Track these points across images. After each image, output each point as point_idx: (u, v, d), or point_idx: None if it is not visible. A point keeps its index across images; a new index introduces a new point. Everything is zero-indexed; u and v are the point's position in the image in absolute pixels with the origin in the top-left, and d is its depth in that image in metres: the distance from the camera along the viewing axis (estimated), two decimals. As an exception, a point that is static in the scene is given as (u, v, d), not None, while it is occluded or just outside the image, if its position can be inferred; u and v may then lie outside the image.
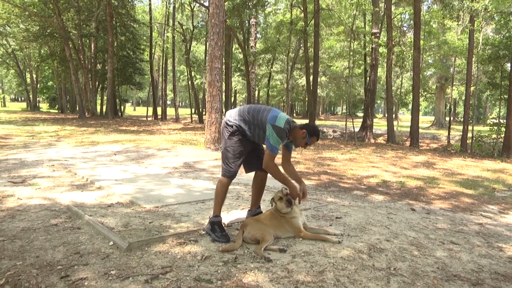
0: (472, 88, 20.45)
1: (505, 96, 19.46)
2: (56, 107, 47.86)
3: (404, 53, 23.03)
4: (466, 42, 20.76)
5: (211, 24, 10.95)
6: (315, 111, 25.66)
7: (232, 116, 3.79)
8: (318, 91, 38.16)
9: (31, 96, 49.14)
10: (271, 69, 36.68)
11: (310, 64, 23.14)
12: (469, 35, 18.16)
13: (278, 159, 3.90)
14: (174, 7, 34.47)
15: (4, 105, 68.79)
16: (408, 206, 5.76)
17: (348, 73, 27.84)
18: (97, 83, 32.61)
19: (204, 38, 29.57)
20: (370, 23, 25.18)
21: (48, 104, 53.24)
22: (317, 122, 28.02)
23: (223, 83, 13.96)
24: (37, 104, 51.07)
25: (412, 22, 22.33)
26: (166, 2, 35.14)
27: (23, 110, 45.11)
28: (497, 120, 19.41)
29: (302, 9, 24.59)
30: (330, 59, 35.54)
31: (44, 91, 50.04)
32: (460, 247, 3.81)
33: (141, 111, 62.85)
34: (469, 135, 18.68)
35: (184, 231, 3.75)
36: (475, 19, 17.18)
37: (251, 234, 3.49)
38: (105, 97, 33.27)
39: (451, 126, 24.14)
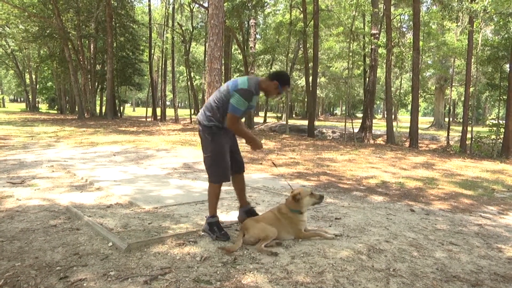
0: (471, 89, 20.47)
1: (504, 97, 19.48)
2: (55, 108, 47.84)
3: (404, 54, 23.05)
4: (465, 43, 20.78)
5: (210, 25, 10.96)
6: (315, 111, 25.69)
7: (204, 116, 3.75)
8: (318, 91, 38.22)
9: (30, 96, 49.11)
10: (271, 70, 36.72)
11: (310, 65, 23.15)
12: (468, 36, 18.18)
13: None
14: (173, 8, 34.49)
15: (3, 106, 68.72)
16: (407, 207, 5.75)
17: (348, 74, 27.85)
18: (96, 83, 32.61)
19: (204, 39, 29.60)
20: (370, 24, 25.19)
21: (47, 105, 53.21)
22: (316, 123, 28.03)
23: (223, 83, 13.95)
24: (36, 104, 51.05)
25: (411, 23, 22.32)
26: (166, 3, 35.15)
27: (22, 111, 45.06)
28: (496, 121, 19.42)
29: (301, 10, 24.61)
30: (330, 60, 35.60)
31: (44, 91, 50.01)
32: (460, 248, 3.81)
33: (140, 111, 62.87)
34: (469, 136, 18.69)
35: (183, 232, 3.75)
36: (474, 20, 17.21)
37: (254, 236, 3.46)
38: (104, 98, 33.27)
39: (451, 127, 24.18)
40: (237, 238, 3.51)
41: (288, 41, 26.67)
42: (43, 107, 55.35)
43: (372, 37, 22.38)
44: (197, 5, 30.04)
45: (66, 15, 28.38)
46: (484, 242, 4.12)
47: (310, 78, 22.53)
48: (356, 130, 23.19)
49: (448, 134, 22.32)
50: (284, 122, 29.49)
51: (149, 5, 33.60)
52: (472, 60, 18.90)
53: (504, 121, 17.96)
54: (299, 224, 3.70)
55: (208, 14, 11.94)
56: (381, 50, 23.17)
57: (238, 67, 34.06)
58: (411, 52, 20.04)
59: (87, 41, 32.41)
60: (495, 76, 20.82)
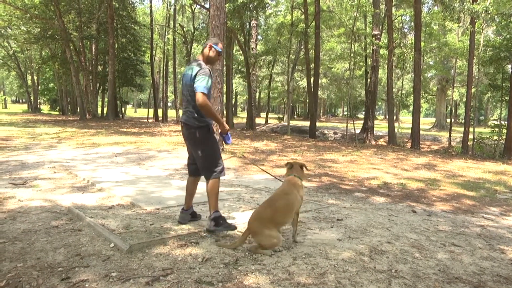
0: (473, 90, 20.44)
1: (506, 97, 19.46)
2: (57, 109, 47.95)
3: (405, 54, 23.07)
4: (467, 44, 20.77)
5: (211, 26, 10.95)
6: (316, 112, 25.67)
7: (194, 118, 3.79)
8: (319, 92, 38.18)
9: (32, 98, 49.22)
10: (272, 71, 36.76)
11: (311, 66, 23.17)
12: (470, 36, 18.16)
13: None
14: (175, 9, 34.53)
15: (5, 107, 68.96)
16: (409, 208, 5.75)
17: (349, 75, 27.86)
18: (98, 85, 32.64)
19: (205, 40, 29.62)
20: (371, 25, 25.20)
21: (49, 106, 53.35)
22: (318, 124, 28.02)
23: (224, 85, 13.95)
24: (38, 106, 51.16)
25: (412, 23, 22.35)
26: (167, 4, 35.20)
27: (24, 112, 45.18)
28: (498, 122, 19.38)
29: (302, 11, 24.64)
30: (331, 61, 35.60)
31: (45, 93, 50.14)
32: (462, 249, 3.80)
33: (142, 112, 62.91)
34: (470, 136, 18.66)
35: (185, 233, 3.75)
36: (476, 21, 17.18)
37: (262, 245, 3.33)
38: (106, 99, 33.32)
39: (452, 128, 24.15)
40: (240, 239, 3.48)
41: (290, 42, 26.69)
42: (45, 108, 55.47)
43: (373, 38, 22.39)
44: (198, 6, 30.06)
45: (67, 17, 28.44)
46: (486, 243, 4.11)
47: (312, 79, 22.54)
48: (357, 131, 23.20)
49: (450, 135, 22.29)
50: (286, 123, 29.49)
51: (151, 6, 33.62)
52: (474, 61, 18.86)
53: (506, 122, 17.92)
54: (302, 192, 3.73)
55: (209, 15, 11.92)
56: (382, 51, 23.19)
57: (239, 68, 34.09)
58: (412, 53, 20.03)
59: (88, 43, 32.46)
60: (497, 77, 20.77)
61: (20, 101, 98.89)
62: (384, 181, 7.97)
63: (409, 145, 19.33)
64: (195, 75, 3.70)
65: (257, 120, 36.89)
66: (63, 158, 9.02)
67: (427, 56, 27.78)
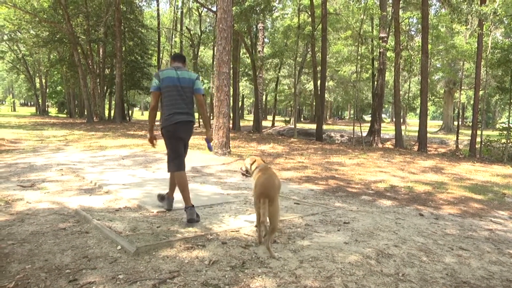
0: (480, 93, 20.29)
1: (514, 100, 19.29)
2: (64, 112, 48.30)
3: (412, 57, 22.95)
4: (475, 46, 20.62)
5: (219, 29, 11.00)
6: (323, 115, 25.62)
7: (192, 116, 4.45)
8: (326, 95, 38.05)
9: (40, 100, 49.61)
10: (279, 74, 36.70)
11: (318, 69, 23.16)
12: (478, 39, 18.03)
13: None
14: (182, 12, 34.70)
15: (14, 110, 69.48)
16: (416, 211, 5.71)
17: (356, 78, 27.79)
18: (105, 88, 32.84)
19: (212, 43, 29.68)
20: (378, 28, 25.12)
21: (56, 109, 53.77)
22: (324, 127, 27.97)
23: (231, 87, 13.98)
24: (46, 108, 51.54)
25: (420, 26, 22.24)
26: (174, 7, 35.38)
27: (32, 115, 45.54)
28: (506, 125, 19.19)
29: (309, 13, 24.65)
30: (338, 64, 35.48)
31: (53, 95, 50.55)
32: (470, 253, 3.77)
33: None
34: (478, 139, 18.51)
35: (192, 235, 3.76)
36: (484, 23, 17.07)
37: (274, 219, 3.40)
38: (113, 102, 33.47)
39: (460, 131, 23.99)
40: (258, 211, 3.44)
41: (296, 45, 26.68)
42: (53, 111, 55.91)
43: (380, 41, 22.31)
44: (205, 9, 30.16)
45: (76, 20, 28.67)
46: (495, 247, 4.07)
47: (319, 82, 22.52)
48: (364, 134, 23.09)
49: (457, 138, 22.13)
50: (292, 126, 29.46)
51: (158, 10, 33.85)
52: (482, 63, 18.73)
53: (514, 125, 17.77)
54: None
55: (216, 18, 11.97)
56: (389, 54, 23.08)
57: (246, 71, 34.14)
58: (419, 56, 19.94)
59: (96, 46, 32.68)
60: (505, 79, 20.59)
61: (29, 104, 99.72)
62: (391, 184, 7.94)
63: (416, 148, 19.22)
64: (195, 79, 4.38)
65: (264, 123, 36.87)
66: (70, 161, 9.08)
67: (434, 59, 27.62)
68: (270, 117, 49.60)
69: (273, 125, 38.71)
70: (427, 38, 18.22)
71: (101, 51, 31.85)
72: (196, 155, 10.70)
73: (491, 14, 15.20)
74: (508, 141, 17.98)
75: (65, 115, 45.35)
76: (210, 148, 4.72)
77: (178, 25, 34.67)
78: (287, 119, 47.51)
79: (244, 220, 4.46)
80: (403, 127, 20.77)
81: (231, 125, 21.02)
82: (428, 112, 24.13)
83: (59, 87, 47.82)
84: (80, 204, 4.92)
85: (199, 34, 31.01)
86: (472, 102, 28.51)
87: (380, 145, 21.73)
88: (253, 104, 48.59)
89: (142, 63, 34.03)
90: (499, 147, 18.69)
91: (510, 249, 4.02)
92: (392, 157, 13.04)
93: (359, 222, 4.64)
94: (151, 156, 10.31)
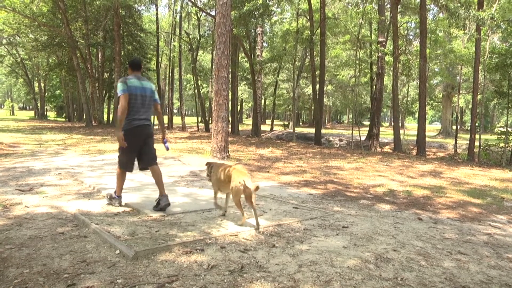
0: (479, 97, 20.35)
1: (512, 104, 19.34)
2: (63, 116, 48.29)
3: (410, 61, 23.02)
4: (473, 51, 20.69)
5: (217, 33, 11.02)
6: (321, 119, 25.66)
7: (151, 118, 5.07)
8: (324, 99, 38.20)
9: (39, 104, 49.61)
10: (277, 78, 36.81)
11: (316, 73, 23.18)
12: (476, 43, 18.10)
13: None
14: (180, 17, 34.74)
15: (13, 114, 69.50)
16: (415, 215, 5.72)
17: (354, 82, 27.86)
18: (104, 92, 32.85)
19: (211, 47, 29.75)
20: (376, 32, 25.22)
21: (55, 113, 53.75)
22: (323, 131, 27.99)
23: (229, 92, 14.00)
24: (45, 112, 51.54)
25: (418, 30, 22.32)
26: (173, 12, 35.44)
27: (31, 119, 45.53)
28: (504, 129, 19.21)
29: (308, 18, 24.71)
30: (336, 68, 35.64)
31: (52, 99, 50.56)
32: (468, 258, 3.77)
33: (147, 119, 62.98)
34: (477, 144, 18.54)
35: (190, 240, 3.75)
36: (481, 27, 17.14)
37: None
38: (112, 106, 33.47)
39: (458, 135, 24.02)
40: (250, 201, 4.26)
41: (295, 49, 26.75)
42: (51, 115, 55.87)
43: (378, 45, 22.39)
44: (204, 14, 30.23)
45: (74, 24, 28.74)
46: (493, 251, 4.07)
47: (317, 86, 22.55)
48: (363, 138, 23.13)
49: (455, 142, 22.17)
50: (291, 130, 29.49)
51: (157, 14, 33.87)
52: (480, 68, 18.80)
53: (512, 129, 17.81)
54: None
55: (215, 22, 12.00)
56: (388, 58, 23.17)
57: (245, 75, 34.18)
58: (418, 60, 20.01)
59: (95, 50, 32.74)
60: (503, 83, 20.64)
61: (27, 107, 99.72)
62: (389, 188, 7.94)
63: (414, 152, 19.25)
64: (155, 90, 5.05)
65: (263, 127, 36.90)
66: (69, 165, 9.07)
67: (433, 63, 27.69)
68: (269, 121, 49.62)
69: (272, 129, 38.72)
70: (425, 43, 18.29)
71: (100, 55, 31.90)
72: (195, 159, 10.70)
73: (489, 19, 15.25)
74: (507, 145, 18.02)
75: (63, 119, 45.36)
76: (167, 148, 5.18)
77: (177, 30, 34.70)
78: (286, 123, 47.57)
79: (243, 224, 4.45)
80: (401, 131, 20.79)
81: (229, 129, 21.03)
82: (426, 116, 24.17)
83: (58, 91, 47.85)
84: (79, 208, 4.91)
85: (198, 38, 31.05)
86: (470, 106, 28.58)
87: (378, 149, 21.74)
88: (251, 108, 48.68)
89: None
90: (498, 151, 18.72)
91: (509, 254, 4.02)
92: (390, 161, 13.05)
93: (357, 226, 4.64)
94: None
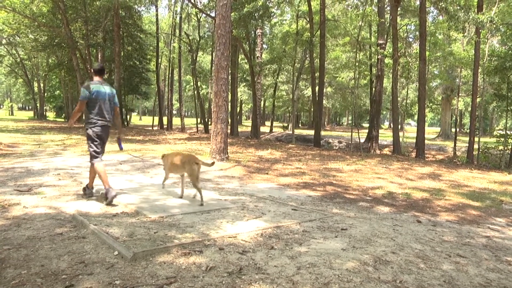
0: (478, 99, 20.37)
1: (511, 107, 19.36)
2: (62, 116, 48.20)
3: (410, 64, 23.04)
4: (472, 53, 20.72)
5: (217, 34, 11.02)
6: (321, 121, 25.66)
7: (111, 120, 5.57)
8: (324, 101, 38.18)
9: (38, 105, 49.55)
10: (277, 80, 36.81)
11: (316, 75, 23.20)
12: (475, 46, 18.13)
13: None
14: (180, 18, 34.78)
15: (12, 114, 69.44)
16: (414, 218, 5.71)
17: (354, 84, 27.86)
18: (103, 92, 32.75)
19: (211, 49, 29.78)
20: (376, 34, 25.25)
21: (54, 113, 53.65)
22: (322, 133, 27.99)
23: (229, 93, 14.00)
24: (44, 113, 51.47)
25: (417, 33, 22.35)
26: (173, 13, 35.48)
27: (30, 119, 45.46)
28: (504, 132, 19.23)
29: (308, 20, 24.73)
30: (336, 70, 35.62)
31: (51, 100, 50.48)
32: (467, 260, 3.77)
33: (147, 120, 63.14)
34: (476, 146, 18.56)
35: (189, 241, 3.75)
36: (480, 30, 17.17)
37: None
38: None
39: (457, 137, 24.02)
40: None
41: (295, 51, 26.77)
42: (51, 115, 55.78)
43: (378, 47, 22.42)
44: (204, 15, 30.25)
45: (74, 25, 28.69)
46: (492, 254, 4.07)
47: (317, 88, 22.56)
48: (362, 140, 23.13)
49: (455, 145, 22.17)
50: (291, 132, 29.50)
51: (157, 15, 33.92)
52: (479, 71, 18.83)
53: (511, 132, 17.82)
54: None
55: (215, 24, 12.01)
56: (387, 60, 23.19)
57: (244, 76, 34.22)
58: (417, 62, 20.03)
59: (95, 50, 32.69)
60: (502, 86, 20.66)
61: (27, 108, 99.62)
62: (388, 191, 7.94)
63: (413, 154, 19.25)
64: (115, 94, 5.61)
65: (262, 129, 36.90)
66: (68, 165, 9.06)
67: (432, 66, 27.71)
68: (268, 123, 49.68)
69: (271, 131, 38.74)
70: (425, 45, 18.31)
71: (99, 56, 31.87)
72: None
73: (488, 22, 15.27)
74: (506, 148, 18.04)
75: (63, 120, 45.28)
76: (121, 147, 6.01)
77: (177, 31, 34.73)
78: (285, 125, 47.57)
79: (241, 226, 4.45)
80: (401, 134, 20.80)
81: (229, 131, 21.03)
82: (426, 118, 24.19)
83: (57, 91, 47.77)
84: (77, 209, 4.90)
85: (198, 39, 31.09)
86: (469, 109, 28.63)
87: (378, 152, 21.75)
88: (251, 109, 48.68)
89: (140, 68, 34.08)
90: (497, 154, 18.74)
91: (507, 256, 4.02)
92: (390, 163, 13.05)
93: (356, 228, 4.64)
94: (149, 162, 10.30)
